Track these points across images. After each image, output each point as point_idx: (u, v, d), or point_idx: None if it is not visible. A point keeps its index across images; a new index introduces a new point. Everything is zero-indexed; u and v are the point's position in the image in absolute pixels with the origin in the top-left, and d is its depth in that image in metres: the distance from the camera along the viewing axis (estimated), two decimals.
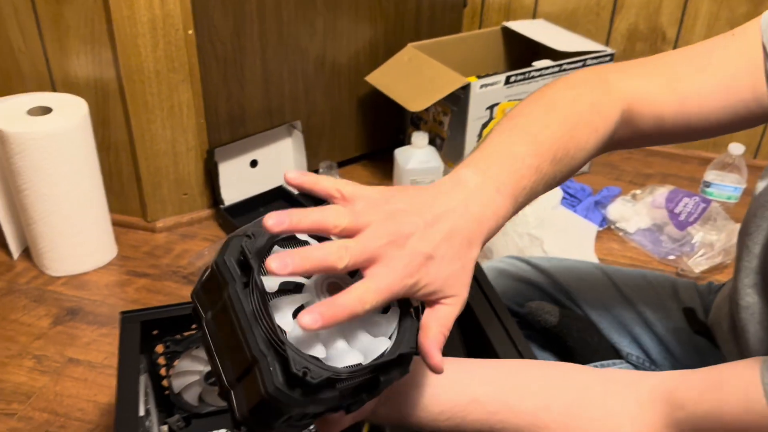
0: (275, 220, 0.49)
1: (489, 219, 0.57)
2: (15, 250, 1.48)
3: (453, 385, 0.60)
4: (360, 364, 0.50)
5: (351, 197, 0.53)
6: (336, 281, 0.53)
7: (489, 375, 0.62)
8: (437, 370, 0.52)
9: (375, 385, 0.52)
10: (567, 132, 0.64)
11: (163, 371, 0.92)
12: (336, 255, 0.48)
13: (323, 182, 0.54)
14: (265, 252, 0.51)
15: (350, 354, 0.51)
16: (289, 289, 0.52)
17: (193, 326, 0.89)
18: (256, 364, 0.48)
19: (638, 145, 0.75)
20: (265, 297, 0.49)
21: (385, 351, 0.52)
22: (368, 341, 0.52)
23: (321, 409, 0.51)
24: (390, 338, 0.54)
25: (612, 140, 0.70)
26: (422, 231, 0.52)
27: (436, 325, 0.53)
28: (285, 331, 0.49)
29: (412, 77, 1.61)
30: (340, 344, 0.51)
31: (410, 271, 0.51)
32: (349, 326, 0.52)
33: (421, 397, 0.60)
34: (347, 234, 0.51)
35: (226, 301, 0.50)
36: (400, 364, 0.53)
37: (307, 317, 0.46)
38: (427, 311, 0.54)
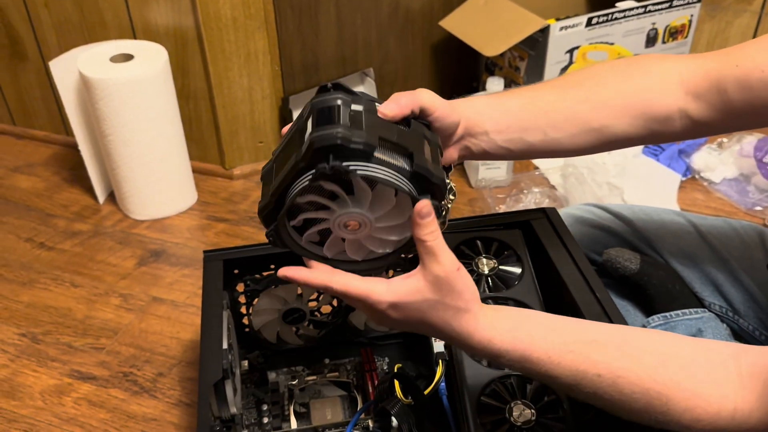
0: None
1: None
2: (101, 194, 1.55)
3: (574, 324, 0.62)
4: None
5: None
6: (355, 220, 0.59)
7: (604, 328, 0.63)
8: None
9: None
10: (580, 72, 0.74)
11: (243, 309, 0.95)
12: None
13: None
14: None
15: None
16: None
17: (272, 266, 0.92)
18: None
19: (711, 132, 0.75)
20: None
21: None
22: None
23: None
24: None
25: (674, 122, 0.72)
26: None
27: None
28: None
29: (487, 21, 1.57)
30: None
31: None
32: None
33: (544, 326, 0.61)
34: None
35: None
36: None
37: None
38: None
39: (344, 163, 0.54)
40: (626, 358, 0.59)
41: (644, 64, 0.74)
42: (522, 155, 0.75)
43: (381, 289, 0.58)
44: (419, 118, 0.63)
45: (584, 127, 0.73)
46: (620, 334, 0.61)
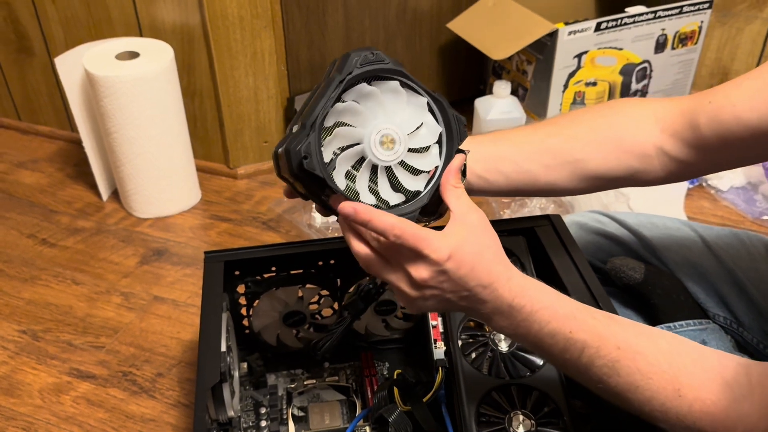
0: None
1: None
2: (104, 192, 1.54)
3: (585, 308, 0.62)
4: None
5: None
6: (389, 133, 0.61)
7: (620, 317, 0.64)
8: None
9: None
10: (556, 116, 0.78)
11: (243, 311, 0.94)
12: None
13: None
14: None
15: None
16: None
17: (273, 268, 0.91)
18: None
19: (694, 173, 0.75)
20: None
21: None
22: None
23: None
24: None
25: (649, 167, 0.73)
26: None
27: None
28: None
29: (496, 24, 1.56)
30: None
31: None
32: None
33: (566, 297, 0.62)
34: None
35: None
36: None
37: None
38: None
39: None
40: (644, 338, 0.60)
41: (620, 105, 0.75)
42: (505, 189, 0.75)
43: (440, 238, 0.56)
44: None
45: (557, 160, 0.73)
46: (636, 324, 0.63)
